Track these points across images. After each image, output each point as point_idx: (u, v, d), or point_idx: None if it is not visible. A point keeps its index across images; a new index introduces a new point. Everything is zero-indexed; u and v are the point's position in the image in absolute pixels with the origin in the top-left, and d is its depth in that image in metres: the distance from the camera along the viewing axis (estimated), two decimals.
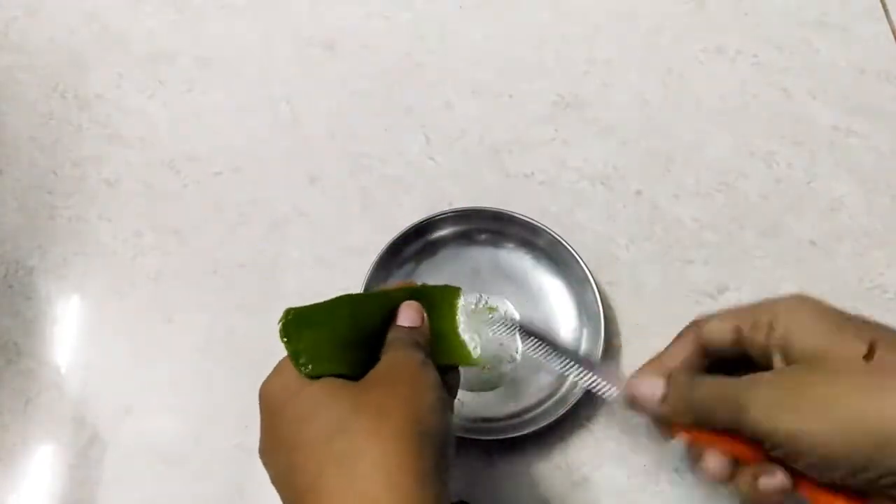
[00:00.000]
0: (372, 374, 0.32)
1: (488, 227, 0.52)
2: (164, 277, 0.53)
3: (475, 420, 0.47)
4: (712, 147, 0.57)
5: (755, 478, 0.31)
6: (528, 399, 0.48)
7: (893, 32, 0.62)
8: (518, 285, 0.51)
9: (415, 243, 0.51)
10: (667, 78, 0.60)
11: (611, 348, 0.49)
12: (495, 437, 0.46)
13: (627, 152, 0.57)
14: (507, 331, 0.44)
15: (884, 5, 0.63)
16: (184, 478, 0.47)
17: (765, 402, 0.29)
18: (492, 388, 0.48)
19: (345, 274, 0.51)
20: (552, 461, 0.46)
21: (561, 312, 0.50)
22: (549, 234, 0.50)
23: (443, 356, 0.36)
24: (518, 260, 0.52)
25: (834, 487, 0.29)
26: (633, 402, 0.36)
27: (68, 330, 0.51)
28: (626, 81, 0.60)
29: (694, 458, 0.34)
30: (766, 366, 0.33)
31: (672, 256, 0.53)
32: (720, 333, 0.34)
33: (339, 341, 0.34)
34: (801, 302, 0.32)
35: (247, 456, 0.47)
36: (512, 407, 0.48)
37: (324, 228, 0.54)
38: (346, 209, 0.55)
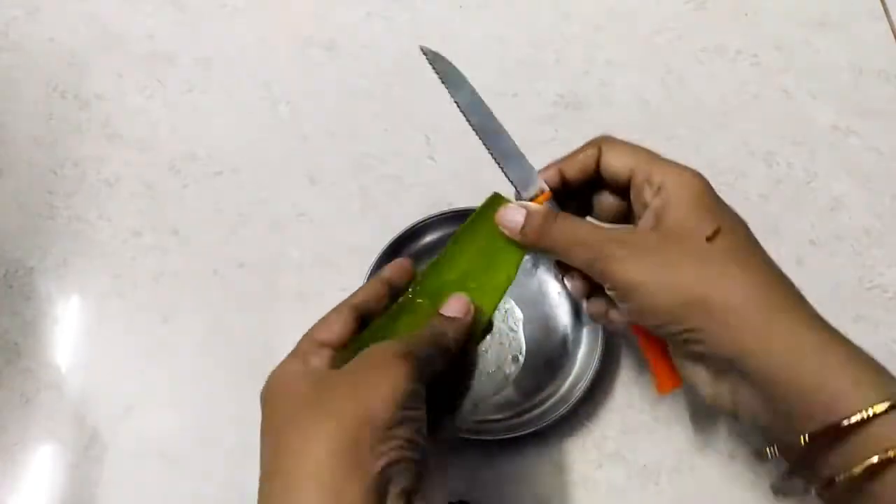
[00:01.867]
0: (352, 361, 0.32)
1: None
2: (164, 277, 0.53)
3: (475, 420, 0.47)
4: (712, 147, 0.57)
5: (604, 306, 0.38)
6: (529, 399, 0.48)
7: (893, 32, 0.62)
8: (518, 285, 0.51)
9: (415, 243, 0.51)
10: (667, 78, 0.60)
11: (611, 348, 0.49)
12: (495, 437, 0.46)
13: None
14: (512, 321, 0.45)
15: (884, 5, 0.63)
16: (184, 478, 0.47)
17: (620, 258, 0.34)
18: (498, 392, 0.48)
19: (345, 274, 0.51)
20: (552, 461, 0.46)
21: (561, 312, 0.50)
22: None
23: (496, 273, 0.38)
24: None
25: (649, 333, 0.37)
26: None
27: (68, 330, 0.51)
28: (626, 81, 0.60)
29: (561, 273, 0.40)
30: (631, 212, 0.38)
31: None
32: (617, 169, 0.37)
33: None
34: (692, 180, 0.35)
35: (247, 456, 0.47)
36: (512, 407, 0.48)
37: (324, 228, 0.54)
38: (346, 209, 0.55)
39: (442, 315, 0.35)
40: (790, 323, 0.32)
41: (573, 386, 0.46)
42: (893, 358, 0.49)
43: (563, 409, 0.45)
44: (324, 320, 0.35)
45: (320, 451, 0.29)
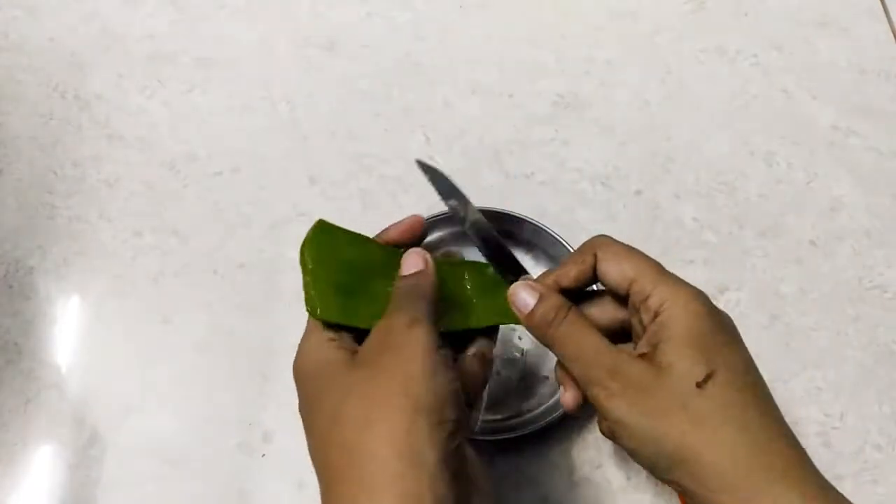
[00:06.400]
0: (364, 346, 0.32)
1: None
2: (164, 277, 0.53)
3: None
4: (712, 147, 0.57)
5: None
6: (529, 399, 0.48)
7: (893, 32, 0.62)
8: None
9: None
10: (667, 78, 0.60)
11: None
12: (495, 437, 0.46)
13: (627, 152, 0.57)
14: None
15: (884, 5, 0.63)
16: (184, 478, 0.47)
17: (612, 393, 0.32)
18: (507, 396, 0.48)
19: None
20: (552, 461, 0.46)
21: None
22: (549, 234, 0.50)
23: (489, 316, 0.37)
24: (518, 260, 0.52)
25: None
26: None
27: (68, 330, 0.51)
28: (626, 81, 0.60)
29: (557, 374, 0.38)
30: (631, 330, 0.36)
31: (672, 256, 0.53)
32: (614, 280, 0.35)
33: (353, 288, 0.34)
34: (690, 305, 0.32)
35: (247, 456, 0.47)
36: (512, 407, 0.48)
37: None
38: (346, 209, 0.55)
39: (403, 276, 0.35)
40: (780, 493, 0.29)
41: None
42: (893, 358, 0.50)
43: (562, 410, 0.45)
44: None
45: (386, 452, 0.28)
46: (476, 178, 0.56)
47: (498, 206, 0.52)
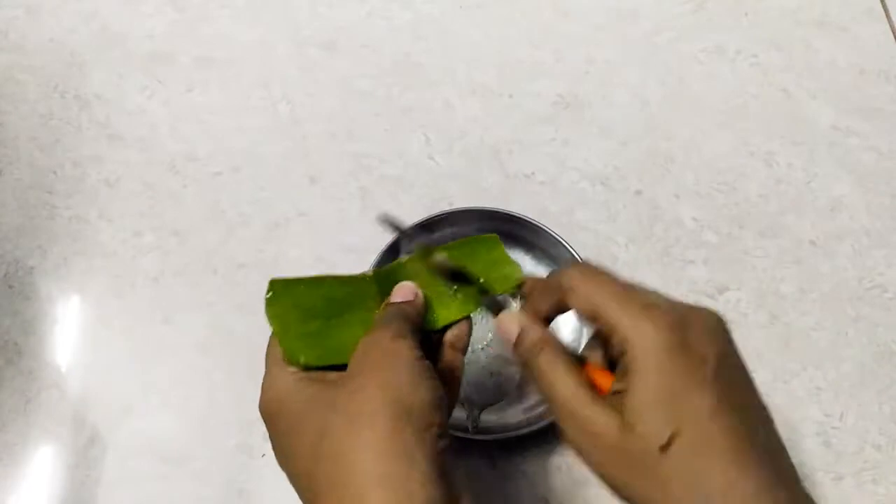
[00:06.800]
0: (350, 362, 0.33)
1: (488, 226, 0.52)
2: (164, 277, 0.53)
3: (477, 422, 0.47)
4: (712, 147, 0.57)
5: None
6: (529, 399, 0.48)
7: (893, 32, 0.62)
8: None
9: (414, 243, 0.51)
10: (667, 78, 0.60)
11: None
12: (495, 437, 0.46)
13: (627, 152, 0.57)
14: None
15: (884, 5, 0.64)
16: (184, 478, 0.47)
17: (582, 440, 0.31)
18: (505, 395, 0.48)
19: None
20: (552, 461, 0.46)
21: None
22: (550, 234, 0.50)
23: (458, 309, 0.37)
24: (518, 260, 0.52)
25: None
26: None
27: (68, 330, 0.51)
28: (626, 81, 0.60)
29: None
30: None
31: (672, 256, 0.53)
32: (583, 314, 0.33)
33: (322, 331, 0.35)
34: (656, 340, 0.30)
35: (247, 456, 0.47)
36: (512, 407, 0.48)
37: (323, 228, 0.54)
38: (345, 209, 0.55)
39: (391, 303, 0.35)
40: None
41: None
42: (893, 358, 0.50)
43: None
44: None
45: (373, 456, 0.28)
46: (476, 178, 0.56)
47: (498, 206, 0.52)
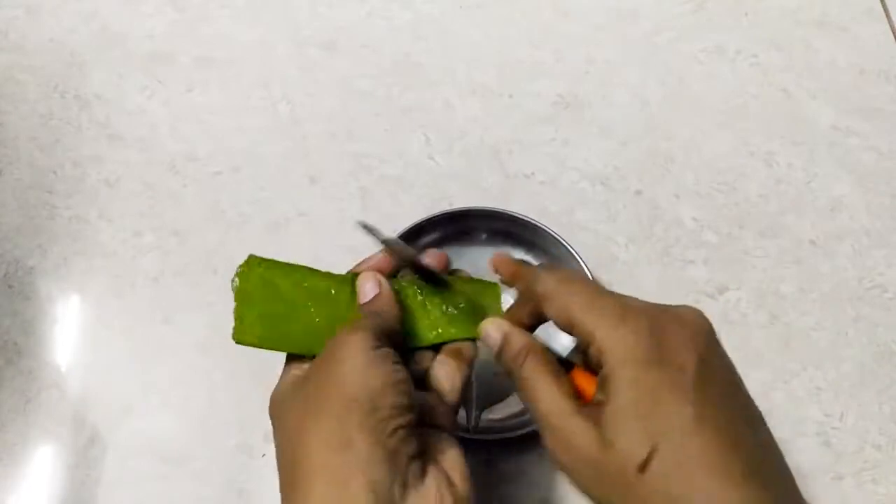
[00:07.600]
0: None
1: (488, 226, 0.52)
2: (164, 277, 0.53)
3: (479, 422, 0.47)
4: (712, 147, 0.57)
5: None
6: None
7: (893, 32, 0.62)
8: None
9: (415, 243, 0.51)
10: (667, 78, 0.60)
11: None
12: (495, 437, 0.46)
13: (627, 152, 0.57)
14: None
15: (884, 5, 0.64)
16: (184, 478, 0.47)
17: (562, 452, 0.30)
18: (505, 395, 0.48)
19: None
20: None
21: None
22: (550, 234, 0.50)
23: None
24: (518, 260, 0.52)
25: None
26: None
27: (68, 330, 0.51)
28: (626, 81, 0.60)
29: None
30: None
31: (672, 256, 0.53)
32: (559, 324, 0.32)
33: (284, 316, 0.35)
34: (630, 348, 0.29)
35: (247, 456, 0.47)
36: (512, 407, 0.48)
37: (323, 228, 0.54)
38: (346, 209, 0.55)
39: (361, 305, 0.36)
40: None
41: None
42: (893, 358, 0.50)
43: None
44: None
45: (317, 447, 0.29)
46: (476, 178, 0.56)
47: (498, 206, 0.52)
